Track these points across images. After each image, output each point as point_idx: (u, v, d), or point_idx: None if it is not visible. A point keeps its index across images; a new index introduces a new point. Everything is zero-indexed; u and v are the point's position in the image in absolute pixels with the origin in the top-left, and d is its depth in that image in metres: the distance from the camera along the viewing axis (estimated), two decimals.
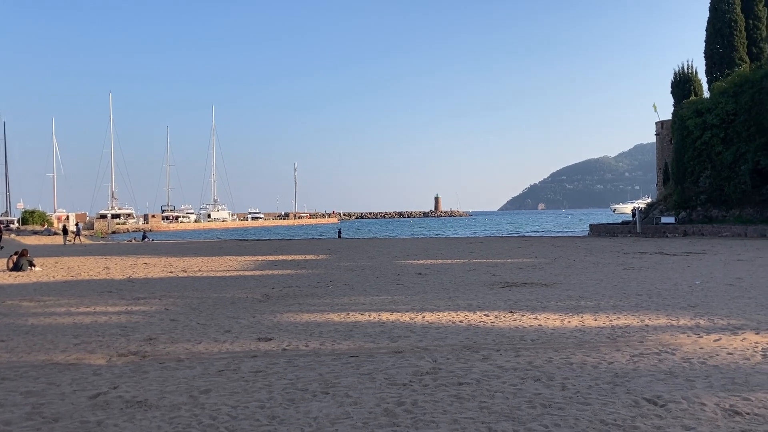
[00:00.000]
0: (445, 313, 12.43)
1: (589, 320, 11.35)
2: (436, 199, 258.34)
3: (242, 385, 7.32)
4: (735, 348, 8.81)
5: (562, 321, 11.32)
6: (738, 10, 49.56)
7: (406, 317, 12.08)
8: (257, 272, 23.33)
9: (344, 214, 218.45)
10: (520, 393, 6.75)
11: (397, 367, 8.05)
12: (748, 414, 5.94)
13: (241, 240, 63.32)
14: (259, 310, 13.38)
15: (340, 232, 70.45)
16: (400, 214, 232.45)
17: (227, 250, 40.96)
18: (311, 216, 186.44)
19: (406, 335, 10.26)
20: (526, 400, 6.47)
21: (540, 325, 10.93)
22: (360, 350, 9.15)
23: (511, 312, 12.42)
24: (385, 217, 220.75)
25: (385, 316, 12.19)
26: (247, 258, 31.69)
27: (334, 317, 12.25)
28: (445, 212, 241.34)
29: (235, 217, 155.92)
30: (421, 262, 26.60)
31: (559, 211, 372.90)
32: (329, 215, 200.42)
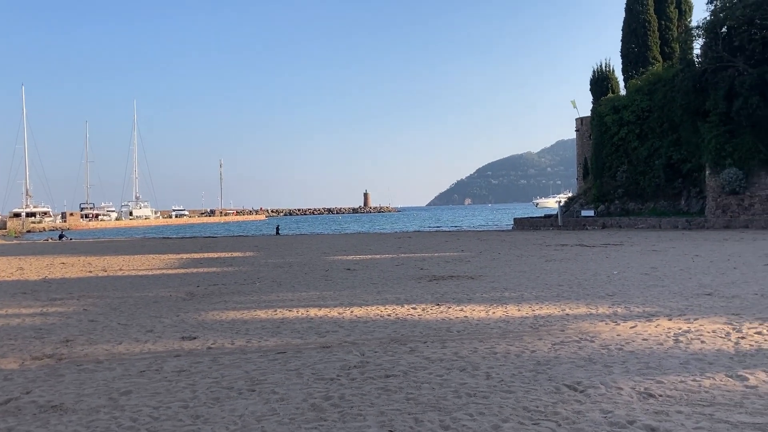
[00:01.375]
0: (374, 308, 12.46)
1: (512, 311, 11.62)
2: (365, 195, 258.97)
3: (165, 385, 7.11)
4: (650, 334, 9.21)
5: (487, 312, 11.55)
6: (652, 11, 51.82)
7: (334, 312, 12.04)
8: (182, 270, 22.75)
9: (272, 211, 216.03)
10: (446, 383, 6.84)
11: (325, 362, 8.01)
12: (660, 396, 6.21)
13: (164, 238, 61.61)
14: (183, 309, 13.05)
15: (278, 229, 69.65)
16: (329, 210, 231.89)
17: (150, 248, 39.76)
18: (238, 213, 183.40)
19: (334, 330, 10.22)
20: (452, 390, 6.56)
21: (466, 317, 11.11)
22: (287, 346, 9.06)
23: (438, 304, 12.58)
24: (314, 214, 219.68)
25: (313, 312, 12.12)
26: (171, 256, 30.87)
27: (261, 314, 12.08)
28: (374, 208, 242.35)
29: (159, 214, 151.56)
30: (351, 257, 26.60)
31: (485, 206, 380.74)
32: (257, 212, 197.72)
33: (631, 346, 8.46)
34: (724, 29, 38.55)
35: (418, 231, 63.98)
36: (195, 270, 22.75)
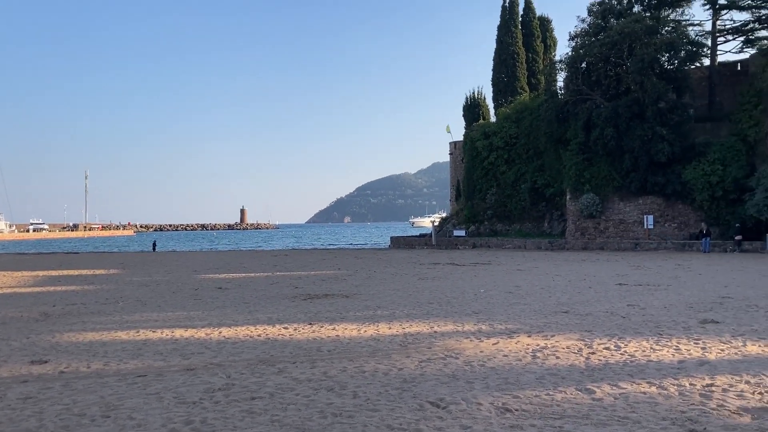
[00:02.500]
0: (243, 328, 12.19)
1: (383, 329, 11.77)
2: (242, 211, 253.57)
3: (7, 414, 6.55)
4: (510, 350, 9.65)
5: (358, 330, 11.63)
6: (520, 44, 55.01)
7: (201, 333, 11.64)
8: (36, 289, 21.15)
9: (141, 226, 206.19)
10: (313, 404, 6.80)
11: (188, 385, 7.72)
12: (517, 410, 6.51)
13: (19, 254, 57.09)
14: (35, 330, 12.12)
15: (155, 245, 66.44)
16: (203, 227, 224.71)
17: (1, 265, 36.69)
18: (104, 228, 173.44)
19: (200, 352, 9.88)
20: (318, 411, 6.52)
21: (337, 336, 11.12)
22: (148, 369, 8.64)
23: (311, 324, 12.51)
24: (186, 230, 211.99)
25: (179, 333, 11.65)
26: (25, 273, 28.64)
27: (123, 335, 11.46)
28: (252, 225, 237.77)
29: (14, 228, 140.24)
30: (223, 276, 25.89)
31: (364, 224, 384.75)
32: (125, 227, 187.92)
33: (492, 363, 8.81)
34: (584, 65, 41.57)
35: (296, 249, 63.48)
36: (52, 288, 21.23)
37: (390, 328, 11.81)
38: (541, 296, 16.61)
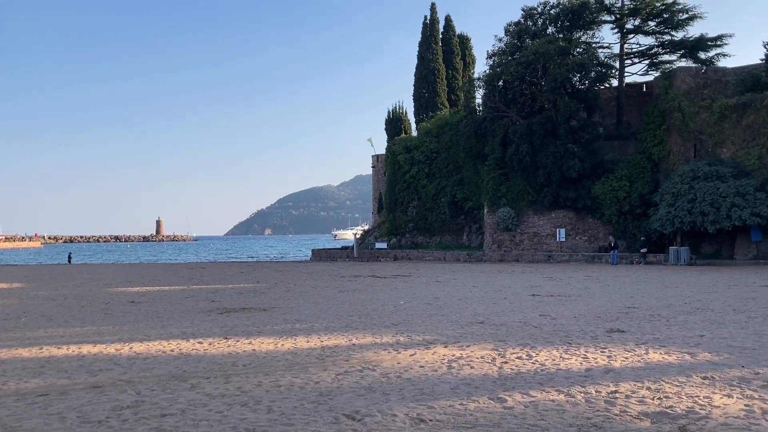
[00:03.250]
0: (156, 343, 11.81)
1: (302, 342, 11.68)
2: (158, 223, 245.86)
3: None
4: (426, 361, 9.77)
5: (275, 344, 11.48)
6: (440, 61, 56.19)
7: (110, 349, 11.19)
8: None
9: (49, 238, 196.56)
10: (226, 419, 6.66)
11: (94, 403, 7.40)
12: (431, 420, 6.60)
13: None
14: None
15: (70, 257, 63.25)
16: (117, 238, 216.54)
17: None
18: (7, 239, 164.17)
19: (108, 368, 9.50)
20: (231, 427, 6.40)
21: (254, 350, 10.95)
22: (51, 388, 8.23)
23: (226, 338, 12.26)
24: (98, 241, 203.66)
25: (86, 349, 11.16)
26: None
27: (24, 353, 10.87)
28: (168, 236, 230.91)
29: None
30: (136, 289, 25.01)
31: (285, 237, 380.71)
32: (30, 238, 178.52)
33: (409, 374, 8.90)
34: (501, 83, 42.88)
35: (214, 261, 62.10)
36: None
37: (308, 342, 11.73)
38: (459, 307, 16.92)
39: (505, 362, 9.61)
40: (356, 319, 14.79)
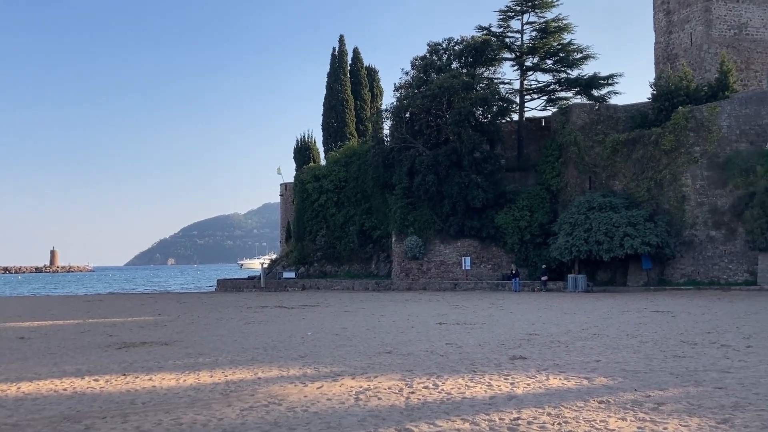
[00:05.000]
0: (47, 381, 11.11)
1: (205, 377, 11.31)
2: (53, 253, 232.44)
3: None
4: (334, 393, 9.69)
5: (177, 380, 11.06)
6: (349, 91, 56.84)
7: None
8: None
9: None
10: None
11: None
12: None
13: None
14: None
15: None
16: (6, 270, 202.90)
17: None
18: None
19: None
20: None
21: (154, 386, 10.50)
22: None
23: (125, 374, 11.70)
24: None
25: None
26: None
27: None
28: (63, 267, 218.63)
29: None
30: (26, 324, 23.48)
31: (189, 267, 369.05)
32: None
33: (316, 407, 8.79)
34: (407, 114, 43.78)
35: (113, 293, 59.29)
36: None
37: (212, 376, 11.37)
38: (367, 337, 16.92)
39: (412, 392, 9.68)
40: (262, 352, 14.49)
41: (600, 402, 8.82)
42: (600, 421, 7.80)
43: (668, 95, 38.11)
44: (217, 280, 56.37)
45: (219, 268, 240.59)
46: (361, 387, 10.12)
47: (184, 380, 11.06)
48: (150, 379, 11.17)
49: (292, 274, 49.38)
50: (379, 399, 9.24)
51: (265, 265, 56.93)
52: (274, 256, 73.58)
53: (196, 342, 16.79)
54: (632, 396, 9.17)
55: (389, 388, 9.98)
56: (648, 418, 7.91)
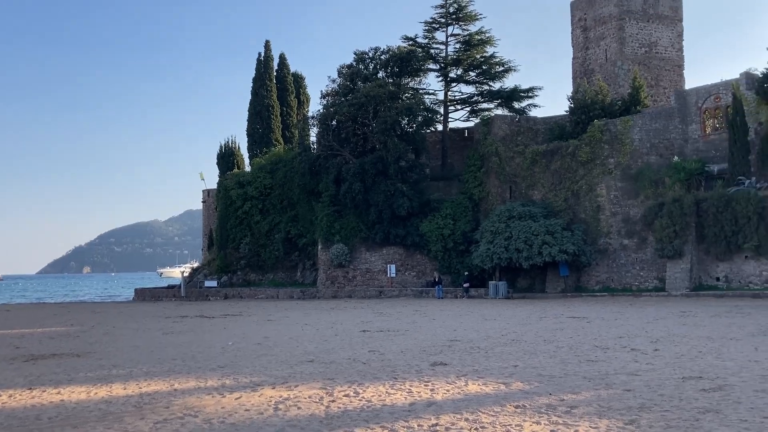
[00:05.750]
0: None
1: (118, 389, 10.89)
2: None
3: None
4: (253, 404, 9.51)
5: (88, 393, 10.60)
6: (275, 97, 56.25)
7: None
8: None
9: None
10: None
11: None
12: None
13: None
14: None
15: None
16: None
17: None
18: None
19: None
20: None
21: (62, 400, 10.03)
22: None
23: (30, 388, 11.12)
24: None
25: None
26: None
27: None
28: None
29: None
30: None
31: (107, 275, 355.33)
32: None
33: (233, 418, 8.61)
34: (334, 122, 43.75)
35: (22, 303, 56.33)
36: None
37: (125, 389, 10.96)
38: (289, 346, 16.74)
39: (333, 401, 9.63)
40: (180, 363, 14.09)
41: (516, 407, 9.03)
42: (515, 426, 7.98)
43: (585, 109, 39.65)
44: (135, 289, 54.50)
45: (138, 277, 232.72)
46: (281, 396, 9.98)
47: (96, 393, 10.61)
48: (58, 393, 10.66)
49: (214, 283, 48.31)
50: (299, 408, 9.15)
51: (186, 274, 55.47)
52: (195, 265, 71.76)
53: (110, 353, 16.16)
54: (547, 400, 9.43)
55: (309, 397, 9.89)
56: (561, 422, 8.15)
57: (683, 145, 36.70)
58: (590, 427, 7.87)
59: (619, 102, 40.75)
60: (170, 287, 54.05)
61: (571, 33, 53.18)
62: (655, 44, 48.79)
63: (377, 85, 42.11)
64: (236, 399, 9.87)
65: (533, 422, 8.14)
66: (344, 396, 9.95)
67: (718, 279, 33.71)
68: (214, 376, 12.18)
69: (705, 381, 10.58)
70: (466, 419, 8.33)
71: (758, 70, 34.28)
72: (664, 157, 36.62)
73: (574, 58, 52.70)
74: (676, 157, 35.97)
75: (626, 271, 36.78)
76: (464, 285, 39.31)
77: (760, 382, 10.41)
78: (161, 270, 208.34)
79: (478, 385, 10.75)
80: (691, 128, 36.75)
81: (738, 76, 35.29)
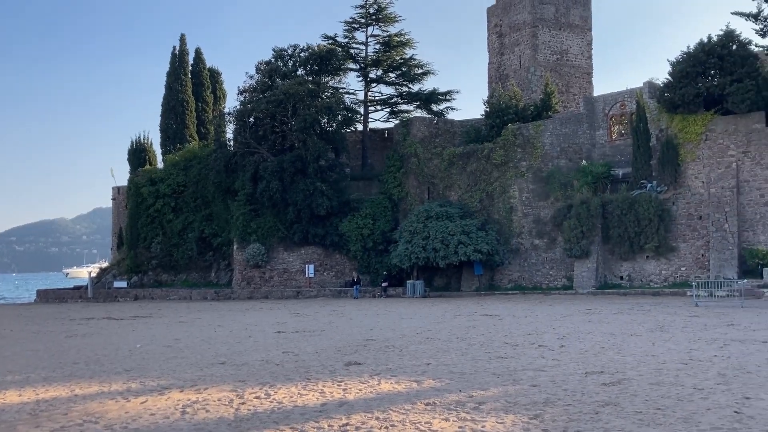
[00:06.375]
0: None
1: (12, 396, 10.29)
2: None
3: None
4: (159, 408, 9.20)
5: None
6: (190, 92, 54.69)
7: None
8: None
9: None
10: None
11: None
12: None
13: None
14: None
15: None
16: None
17: None
18: None
19: None
20: None
21: None
22: None
23: None
24: None
25: None
26: None
27: None
28: None
29: None
30: None
31: (8, 276, 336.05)
32: None
33: (137, 423, 8.30)
34: (252, 119, 43.00)
35: None
36: None
37: (20, 395, 10.37)
38: (201, 348, 16.32)
39: (243, 403, 9.44)
40: (83, 367, 13.47)
41: (427, 404, 9.13)
42: (425, 423, 8.06)
43: (499, 113, 40.71)
44: (38, 291, 51.72)
45: (42, 277, 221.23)
46: (189, 400, 9.70)
47: None
48: None
49: (123, 284, 46.54)
50: (207, 411, 8.92)
51: (94, 274, 53.16)
52: (104, 265, 68.84)
53: (7, 358, 15.26)
54: (457, 397, 9.59)
55: (219, 400, 9.67)
56: (469, 418, 8.30)
57: (591, 149, 38.30)
58: (497, 422, 8.06)
59: (532, 107, 42.07)
60: (77, 288, 51.70)
61: (488, 38, 54.51)
62: (566, 52, 50.68)
63: (297, 83, 41.73)
64: (141, 403, 9.52)
65: (442, 419, 8.26)
66: (255, 398, 9.78)
67: (621, 278, 35.37)
68: (120, 380, 11.71)
69: (606, 375, 11.05)
70: (377, 418, 8.35)
71: (660, 79, 36.18)
72: (573, 160, 38.09)
73: (490, 63, 54.04)
74: (584, 161, 37.49)
75: (537, 270, 38.02)
76: (383, 284, 39.55)
77: (655, 375, 10.97)
78: (67, 270, 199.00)
79: (391, 383, 10.81)
80: (599, 133, 38.40)
81: (642, 84, 37.13)
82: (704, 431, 7.48)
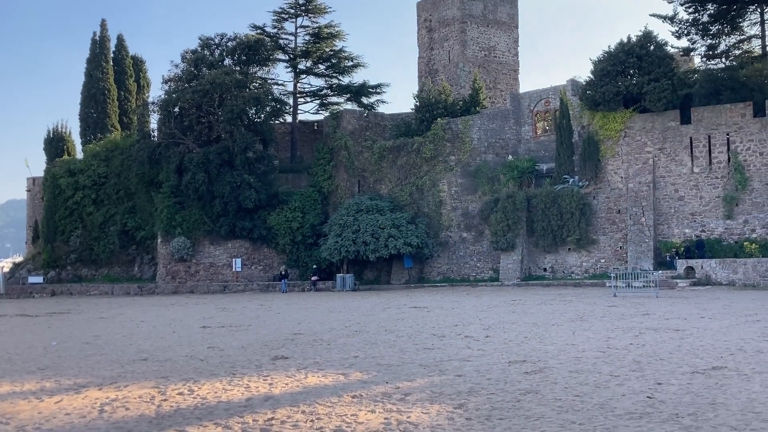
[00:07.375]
0: None
1: None
2: None
3: None
4: (75, 407, 8.83)
5: None
6: (112, 80, 52.68)
7: None
8: None
9: None
10: None
11: None
12: None
13: None
14: None
15: None
16: None
17: None
18: None
19: None
20: None
21: None
22: None
23: None
24: None
25: None
26: None
27: None
28: None
29: None
30: None
31: None
32: None
33: (51, 423, 7.95)
34: (177, 109, 41.89)
35: None
36: None
37: None
38: (122, 345, 15.77)
39: (165, 400, 9.19)
40: None
41: (353, 396, 9.13)
42: (351, 415, 8.06)
43: (429, 107, 41.12)
44: None
45: None
46: (107, 398, 9.36)
47: None
48: None
49: (39, 279, 44.58)
50: (127, 409, 8.63)
51: (7, 269, 50.64)
52: (18, 259, 65.64)
53: None
54: (383, 389, 9.63)
55: (140, 397, 9.37)
56: (395, 409, 8.35)
57: (517, 144, 39.22)
58: (422, 412, 8.14)
59: (461, 102, 42.70)
60: None
61: (417, 33, 54.92)
62: (493, 48, 51.66)
63: (224, 73, 40.92)
64: (56, 403, 9.11)
65: (368, 411, 8.27)
66: (178, 394, 9.52)
67: (545, 269, 36.45)
68: (33, 379, 11.17)
69: (528, 364, 11.34)
70: (303, 411, 8.29)
71: (583, 77, 37.40)
72: (500, 155, 38.91)
73: (419, 58, 54.48)
74: (510, 156, 38.37)
75: (465, 262, 38.71)
76: (312, 278, 39.36)
77: (574, 363, 11.34)
78: None
79: (318, 377, 10.76)
80: (524, 129, 39.37)
81: (565, 82, 38.27)
82: (619, 416, 7.78)
